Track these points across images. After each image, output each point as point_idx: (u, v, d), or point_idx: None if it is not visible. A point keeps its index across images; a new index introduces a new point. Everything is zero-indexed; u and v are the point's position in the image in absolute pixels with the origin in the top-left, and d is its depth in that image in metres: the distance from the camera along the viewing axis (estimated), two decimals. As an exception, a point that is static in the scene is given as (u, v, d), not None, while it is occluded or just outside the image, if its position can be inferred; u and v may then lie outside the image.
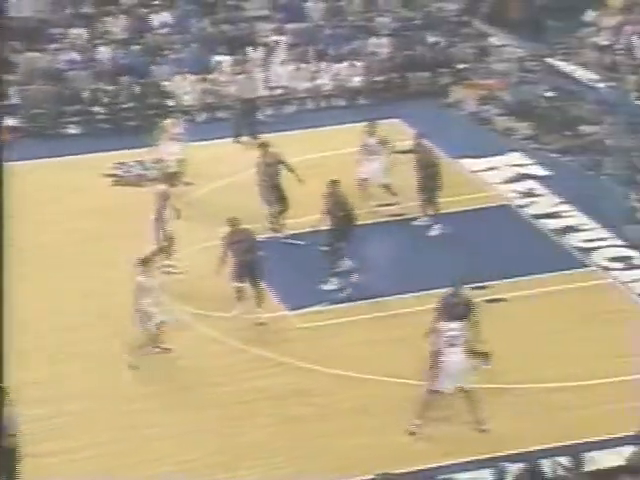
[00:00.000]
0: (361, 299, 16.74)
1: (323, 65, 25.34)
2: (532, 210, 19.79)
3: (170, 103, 24.17)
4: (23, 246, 15.63)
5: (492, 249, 18.10)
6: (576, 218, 19.37)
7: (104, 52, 25.06)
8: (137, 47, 25.29)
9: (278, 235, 18.54)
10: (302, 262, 17.74)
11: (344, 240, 17.17)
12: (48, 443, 13.51)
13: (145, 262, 15.15)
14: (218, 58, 25.09)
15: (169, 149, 20.14)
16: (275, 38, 25.68)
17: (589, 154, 21.64)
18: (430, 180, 18.85)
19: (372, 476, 12.30)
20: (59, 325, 16.11)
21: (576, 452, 12.29)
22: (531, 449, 13.25)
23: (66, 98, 23.87)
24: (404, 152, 19.25)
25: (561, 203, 19.93)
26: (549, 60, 25.39)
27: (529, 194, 20.41)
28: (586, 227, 19.05)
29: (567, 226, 19.14)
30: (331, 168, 19.13)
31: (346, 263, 17.33)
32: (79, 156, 22.02)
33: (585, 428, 13.65)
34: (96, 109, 23.85)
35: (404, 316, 16.03)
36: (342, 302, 16.73)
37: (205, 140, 22.39)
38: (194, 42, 25.47)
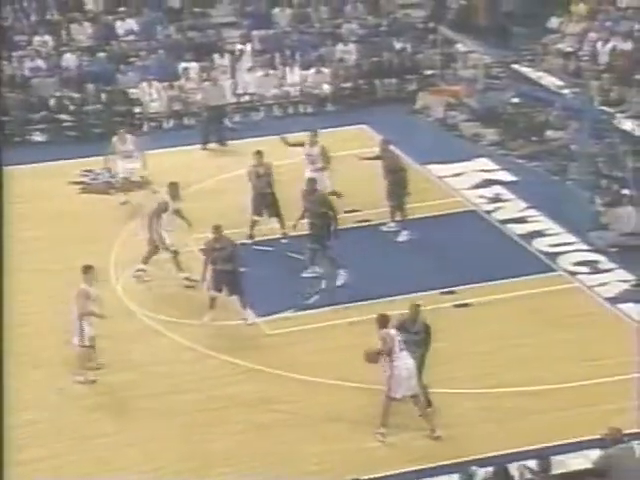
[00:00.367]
0: (330, 305, 16.78)
1: (290, 72, 25.38)
2: (499, 215, 19.92)
3: (137, 110, 24.13)
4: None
5: (460, 254, 18.20)
6: (542, 223, 19.51)
7: (70, 59, 24.98)
8: (103, 54, 25.24)
9: (247, 241, 18.53)
10: (270, 268, 17.75)
11: (319, 243, 17.19)
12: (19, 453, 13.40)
13: (88, 270, 15.00)
14: (185, 65, 25.08)
15: (122, 166, 19.92)
16: (241, 45, 25.70)
17: (555, 160, 21.82)
18: (398, 186, 18.93)
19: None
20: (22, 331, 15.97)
21: (543, 456, 12.36)
22: (498, 453, 13.33)
23: (32, 105, 23.77)
24: (371, 158, 19.34)
25: (527, 208, 20.08)
26: (515, 66, 25.57)
27: (496, 199, 20.54)
28: (552, 232, 19.19)
29: (534, 231, 19.27)
30: (300, 174, 19.13)
31: (315, 269, 17.37)
32: (46, 163, 21.95)
33: (552, 432, 13.73)
34: (62, 116, 23.77)
35: (373, 322, 16.06)
36: (311, 308, 16.76)
37: (172, 147, 22.37)
38: (160, 49, 25.44)
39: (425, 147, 22.33)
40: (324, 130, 20.52)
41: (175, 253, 17.32)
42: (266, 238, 18.76)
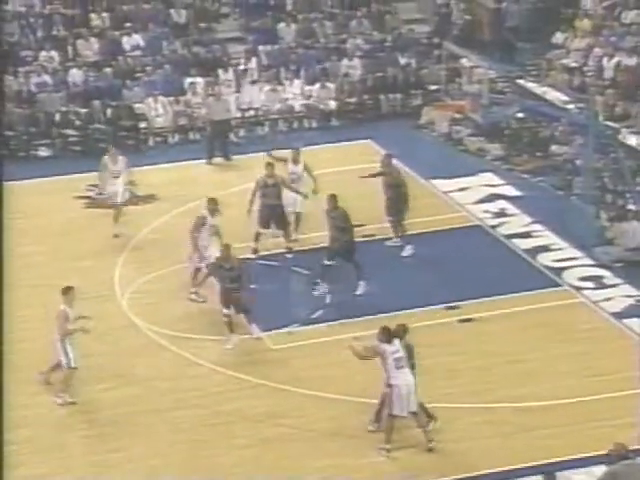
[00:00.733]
0: (335, 320, 16.77)
1: (295, 87, 25.43)
2: (504, 230, 19.91)
3: (142, 125, 24.19)
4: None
5: (464, 269, 18.19)
6: (547, 238, 19.50)
7: (76, 75, 25.04)
8: (109, 70, 25.30)
9: (252, 256, 18.54)
10: (275, 283, 17.77)
11: (343, 257, 17.27)
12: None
13: (67, 291, 14.98)
14: (190, 80, 25.13)
15: (111, 188, 19.66)
16: (247, 60, 25.76)
17: (559, 174, 21.82)
18: (397, 202, 18.90)
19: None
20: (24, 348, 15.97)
21: (548, 471, 12.33)
22: (503, 469, 13.30)
23: (38, 121, 23.84)
24: (374, 175, 19.27)
25: (532, 223, 20.07)
26: (520, 81, 25.59)
27: (501, 214, 20.54)
28: (557, 247, 19.19)
29: (538, 246, 19.26)
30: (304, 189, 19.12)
31: (325, 286, 17.39)
32: (51, 178, 21.99)
33: (557, 447, 13.71)
34: (68, 132, 23.83)
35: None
36: (315, 323, 16.75)
37: (178, 162, 22.40)
38: (166, 64, 25.50)
39: (430, 162, 22.35)
40: (329, 145, 20.56)
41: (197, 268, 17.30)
42: (271, 253, 18.77)
